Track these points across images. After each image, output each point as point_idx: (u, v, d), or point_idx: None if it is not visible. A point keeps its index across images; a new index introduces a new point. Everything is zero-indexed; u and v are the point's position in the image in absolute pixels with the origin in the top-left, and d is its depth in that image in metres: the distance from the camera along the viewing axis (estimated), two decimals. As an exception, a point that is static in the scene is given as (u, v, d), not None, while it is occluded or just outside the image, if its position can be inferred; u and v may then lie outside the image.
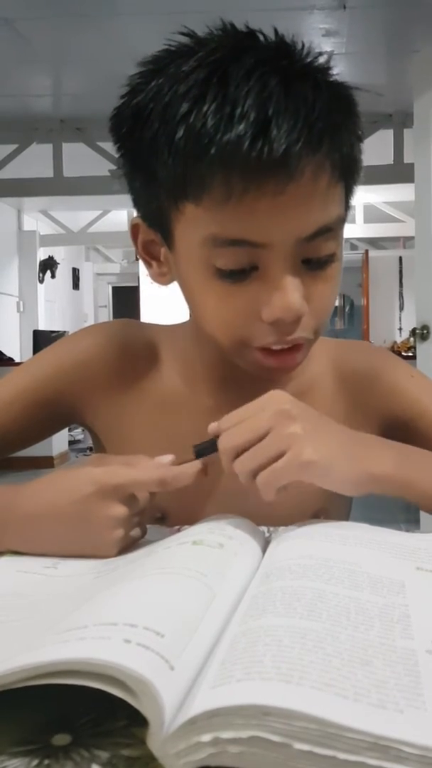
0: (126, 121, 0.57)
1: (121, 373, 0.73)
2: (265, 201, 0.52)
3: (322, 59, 0.56)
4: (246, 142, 0.50)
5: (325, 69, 0.56)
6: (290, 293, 0.55)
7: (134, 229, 0.64)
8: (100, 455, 0.59)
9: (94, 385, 0.73)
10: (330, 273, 0.58)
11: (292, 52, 0.55)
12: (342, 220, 0.58)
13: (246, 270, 0.56)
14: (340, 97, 0.55)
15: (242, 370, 0.63)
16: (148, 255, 0.65)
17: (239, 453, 0.54)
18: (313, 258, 0.57)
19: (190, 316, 0.68)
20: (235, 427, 0.54)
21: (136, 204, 0.62)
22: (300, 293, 0.56)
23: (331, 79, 0.55)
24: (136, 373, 0.73)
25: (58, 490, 0.57)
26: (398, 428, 0.74)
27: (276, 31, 0.56)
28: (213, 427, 0.57)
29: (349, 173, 0.57)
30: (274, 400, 0.55)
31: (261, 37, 0.55)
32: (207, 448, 0.58)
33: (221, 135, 0.50)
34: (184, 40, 0.56)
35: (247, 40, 0.55)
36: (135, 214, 0.64)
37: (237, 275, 0.56)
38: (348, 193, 0.59)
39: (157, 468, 0.57)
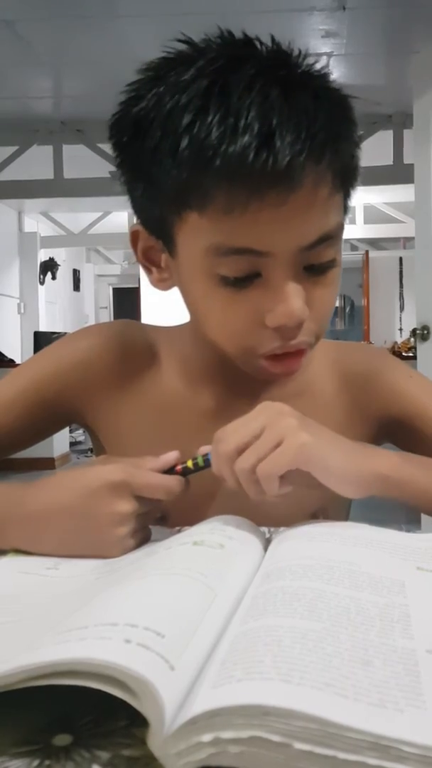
0: (126, 130, 0.57)
1: (121, 373, 0.73)
2: (268, 211, 0.53)
3: (318, 65, 0.56)
4: (251, 154, 0.51)
5: (323, 75, 0.56)
6: (293, 300, 0.56)
7: (134, 236, 0.64)
8: (106, 456, 0.60)
9: (93, 386, 0.73)
10: (330, 278, 0.59)
11: (290, 61, 0.55)
12: (341, 227, 0.59)
13: (249, 277, 0.56)
14: (339, 105, 0.56)
15: (241, 372, 0.63)
16: (148, 261, 0.65)
17: (238, 454, 0.54)
18: (315, 264, 0.57)
19: (191, 319, 0.68)
20: (230, 433, 0.55)
21: (137, 211, 0.62)
22: (302, 299, 0.57)
23: (330, 86, 0.56)
24: (136, 374, 0.73)
25: (65, 487, 0.57)
26: (397, 428, 0.74)
27: (273, 38, 0.56)
28: (205, 448, 0.58)
29: (348, 181, 0.58)
30: (267, 405, 0.56)
31: (258, 45, 0.56)
32: (194, 469, 0.59)
33: (226, 146, 0.51)
34: (182, 47, 0.57)
35: (245, 49, 0.55)
36: (135, 220, 0.64)
37: (240, 282, 0.56)
38: (346, 198, 0.59)
39: (165, 476, 0.58)
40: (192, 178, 0.53)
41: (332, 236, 0.57)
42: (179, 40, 0.57)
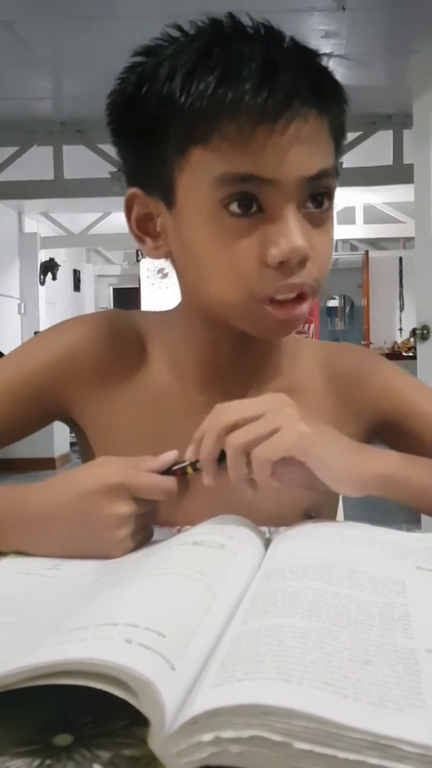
0: (125, 93, 0.60)
1: (109, 365, 0.71)
2: (273, 138, 0.55)
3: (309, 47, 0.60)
4: (255, 83, 0.54)
5: (313, 52, 0.60)
6: (295, 234, 0.57)
7: (129, 201, 0.64)
8: (105, 457, 0.59)
9: (81, 379, 0.71)
10: (327, 227, 0.61)
11: (282, 35, 0.58)
12: (336, 174, 0.61)
13: (253, 213, 0.57)
14: (327, 71, 0.61)
15: (231, 363, 0.63)
16: (141, 231, 0.65)
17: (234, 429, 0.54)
18: (316, 193, 0.59)
19: (186, 285, 0.67)
20: (231, 408, 0.56)
21: (133, 175, 0.64)
22: (304, 236, 0.58)
23: (320, 61, 0.60)
24: (125, 366, 0.72)
25: (64, 489, 0.57)
26: (387, 427, 0.74)
27: (263, 21, 0.59)
28: (191, 451, 0.58)
29: (338, 134, 0.61)
30: (271, 395, 0.57)
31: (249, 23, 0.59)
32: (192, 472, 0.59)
33: (230, 79, 0.54)
34: (176, 34, 0.59)
35: (236, 25, 0.59)
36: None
37: (244, 217, 0.57)
38: (337, 154, 0.62)
39: (163, 477, 0.58)
40: (198, 115, 0.55)
41: (330, 174, 0.59)
42: (170, 26, 0.59)
